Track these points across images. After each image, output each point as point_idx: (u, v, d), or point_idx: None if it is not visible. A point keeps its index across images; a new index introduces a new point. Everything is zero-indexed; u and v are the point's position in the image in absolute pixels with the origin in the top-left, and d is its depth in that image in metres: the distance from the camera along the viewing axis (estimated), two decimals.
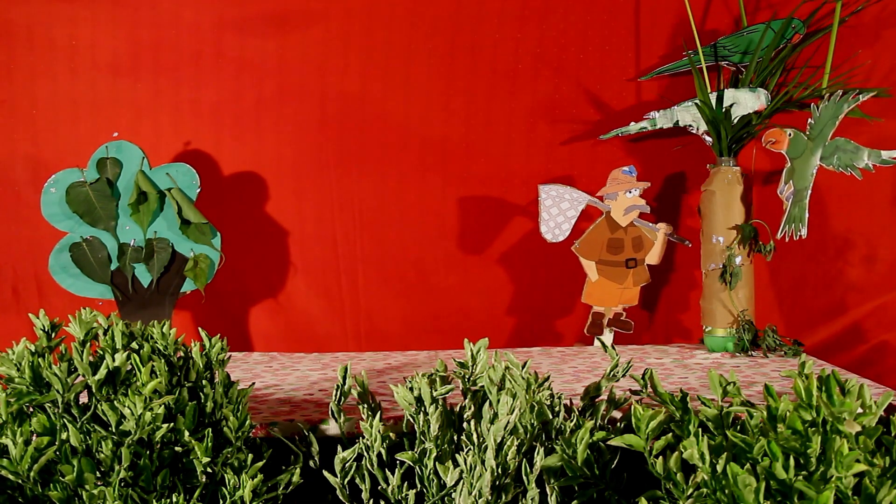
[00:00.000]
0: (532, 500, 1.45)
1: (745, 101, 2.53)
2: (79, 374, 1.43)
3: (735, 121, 2.52)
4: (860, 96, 2.35)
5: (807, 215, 2.40)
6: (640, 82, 2.87)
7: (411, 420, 1.51)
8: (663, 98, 2.82)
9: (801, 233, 2.41)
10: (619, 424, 1.54)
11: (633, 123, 2.72)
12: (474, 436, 1.43)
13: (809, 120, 2.43)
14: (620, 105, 2.87)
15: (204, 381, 1.54)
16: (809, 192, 2.42)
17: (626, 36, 2.85)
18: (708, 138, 2.58)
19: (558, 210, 2.66)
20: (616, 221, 2.66)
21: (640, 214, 2.66)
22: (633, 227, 2.67)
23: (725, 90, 2.55)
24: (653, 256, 2.69)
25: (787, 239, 2.44)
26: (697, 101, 2.56)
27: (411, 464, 1.48)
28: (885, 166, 2.40)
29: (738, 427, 1.33)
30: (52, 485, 1.35)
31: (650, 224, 2.68)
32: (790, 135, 2.45)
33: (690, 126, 2.61)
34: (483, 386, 1.55)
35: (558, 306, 2.94)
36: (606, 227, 2.67)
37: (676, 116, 2.64)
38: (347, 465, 1.52)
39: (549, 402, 1.51)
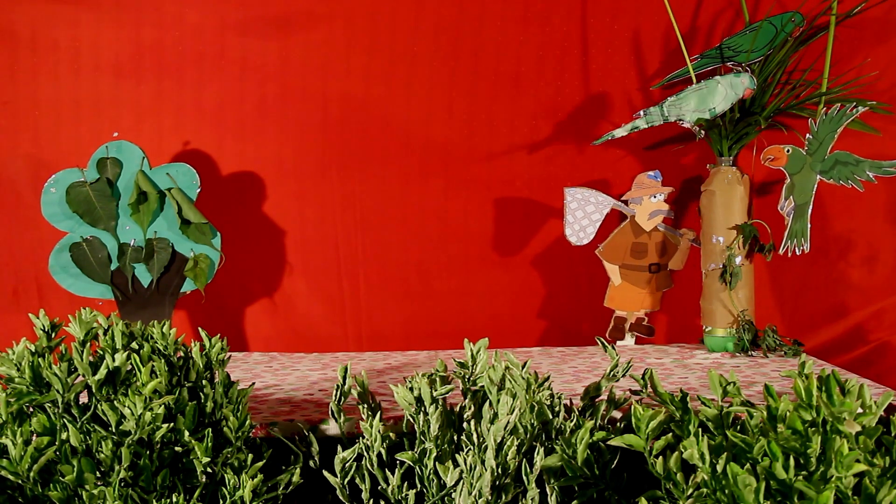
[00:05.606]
0: (532, 500, 1.45)
1: (732, 86, 2.50)
2: (79, 374, 1.44)
3: (725, 103, 2.48)
4: (858, 108, 2.35)
5: (809, 230, 2.42)
6: (641, 84, 2.86)
7: (411, 420, 1.51)
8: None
9: (803, 247, 2.44)
10: (619, 424, 1.54)
11: (622, 126, 2.61)
12: (474, 436, 1.43)
13: (808, 135, 2.43)
14: (624, 107, 2.87)
15: (204, 381, 1.54)
16: (811, 207, 2.43)
17: (629, 38, 2.85)
18: (700, 130, 2.53)
19: (583, 213, 2.66)
20: (640, 226, 2.67)
21: (664, 219, 2.67)
22: (657, 231, 2.68)
23: (706, 80, 2.51)
24: (676, 262, 2.70)
25: (789, 254, 2.46)
26: (686, 95, 2.53)
27: (411, 464, 1.48)
28: (886, 177, 2.40)
29: (738, 427, 1.33)
30: (52, 485, 1.35)
31: (674, 229, 2.69)
32: (788, 151, 2.45)
33: (680, 120, 2.58)
34: (483, 386, 1.55)
35: (559, 308, 2.94)
36: (630, 232, 2.68)
37: (665, 113, 2.58)
38: (347, 465, 1.52)
39: (549, 402, 1.51)
